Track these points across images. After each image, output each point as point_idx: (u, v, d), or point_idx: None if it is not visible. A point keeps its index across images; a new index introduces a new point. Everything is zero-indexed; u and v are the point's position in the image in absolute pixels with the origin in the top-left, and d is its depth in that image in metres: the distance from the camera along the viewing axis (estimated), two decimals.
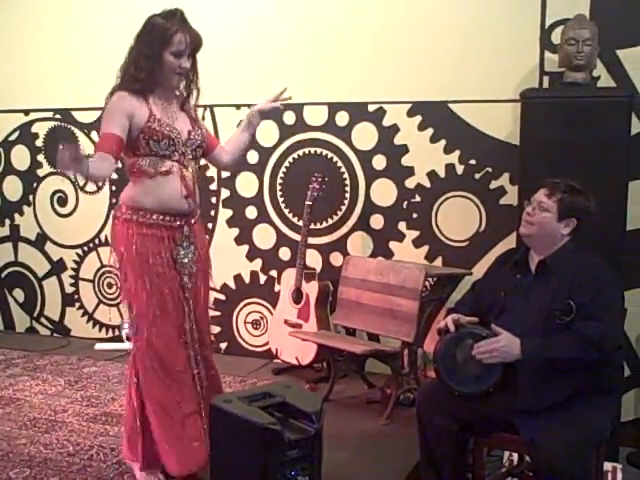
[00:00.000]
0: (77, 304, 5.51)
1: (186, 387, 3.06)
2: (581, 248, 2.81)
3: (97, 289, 5.42)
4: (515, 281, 2.86)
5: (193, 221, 3.12)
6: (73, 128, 5.33)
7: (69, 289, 5.52)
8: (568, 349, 2.58)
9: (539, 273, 2.80)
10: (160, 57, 2.94)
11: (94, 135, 5.25)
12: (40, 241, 5.56)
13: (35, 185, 5.52)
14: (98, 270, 5.40)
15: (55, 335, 5.57)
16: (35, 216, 5.55)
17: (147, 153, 2.99)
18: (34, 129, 5.46)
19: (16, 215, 5.60)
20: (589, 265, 2.75)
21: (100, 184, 5.19)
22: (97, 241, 5.36)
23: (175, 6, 3.04)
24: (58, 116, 5.37)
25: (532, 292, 2.79)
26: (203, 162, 4.94)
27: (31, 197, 5.54)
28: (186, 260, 3.07)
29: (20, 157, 5.54)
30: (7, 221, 5.63)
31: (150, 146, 2.97)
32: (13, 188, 5.56)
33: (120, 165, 3.09)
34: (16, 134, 5.53)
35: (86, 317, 5.48)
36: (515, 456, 3.28)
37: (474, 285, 3.09)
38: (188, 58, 3.01)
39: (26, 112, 5.45)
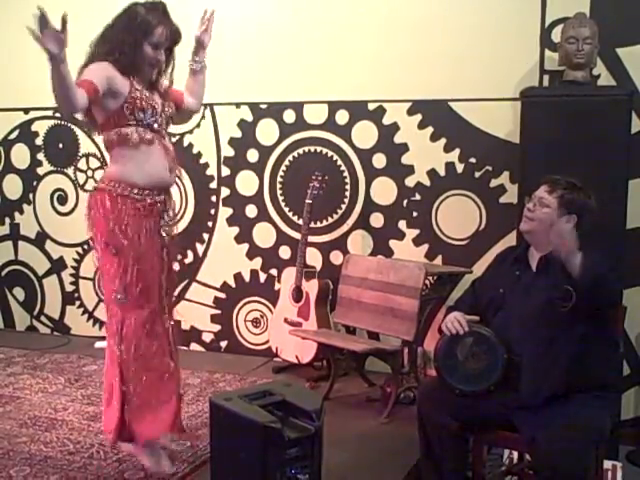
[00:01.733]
0: (77, 302, 5.51)
1: (165, 343, 3.19)
2: (582, 245, 2.81)
3: (97, 287, 5.42)
4: (514, 277, 2.86)
5: (171, 193, 3.25)
6: (73, 127, 5.32)
7: (69, 287, 5.52)
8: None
9: (540, 269, 2.80)
10: (140, 47, 3.02)
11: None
12: (40, 239, 5.56)
13: (35, 184, 5.52)
14: (98, 269, 5.39)
15: (55, 333, 5.57)
16: (35, 214, 5.55)
17: (131, 123, 3.03)
18: (34, 128, 5.46)
19: (16, 213, 5.60)
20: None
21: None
22: None
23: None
24: (58, 114, 5.37)
25: (532, 288, 2.79)
26: (204, 161, 4.97)
27: (31, 195, 5.54)
28: (167, 229, 3.20)
29: (20, 156, 5.53)
30: (7, 220, 5.63)
31: (135, 115, 3.03)
32: (13, 186, 5.56)
33: (81, 117, 3.13)
34: (16, 133, 5.52)
35: (86, 315, 5.48)
36: (515, 454, 3.29)
37: (474, 283, 3.10)
38: (164, 51, 3.10)
39: (26, 110, 5.45)
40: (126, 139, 3.03)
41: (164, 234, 3.17)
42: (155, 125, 3.10)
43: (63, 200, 5.44)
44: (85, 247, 5.40)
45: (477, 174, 4.36)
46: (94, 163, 5.30)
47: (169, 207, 3.22)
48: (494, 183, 4.32)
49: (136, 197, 3.05)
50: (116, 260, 3.07)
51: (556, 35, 4.02)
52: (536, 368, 2.67)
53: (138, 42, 3.01)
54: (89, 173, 5.33)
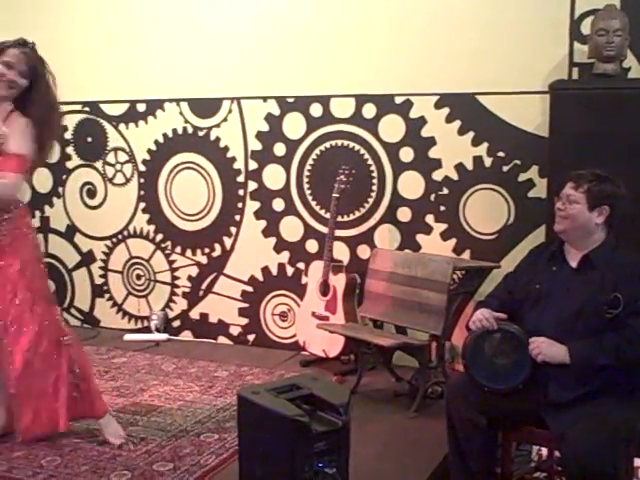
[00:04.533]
0: (106, 295, 5.56)
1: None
2: (621, 243, 2.79)
3: (126, 280, 5.47)
4: (551, 274, 2.84)
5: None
6: (101, 121, 5.37)
7: (98, 280, 5.57)
8: (617, 350, 2.60)
9: (581, 268, 2.78)
10: None
11: (122, 128, 5.30)
12: (70, 233, 5.62)
13: (64, 177, 5.57)
14: (127, 261, 5.45)
15: (85, 326, 5.63)
16: (65, 208, 5.60)
17: None
18: (63, 122, 5.50)
19: (46, 207, 5.66)
20: (633, 262, 2.74)
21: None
22: (126, 233, 5.41)
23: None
24: (87, 109, 5.42)
25: (571, 285, 2.76)
26: (231, 154, 5.00)
27: (61, 189, 5.60)
28: None
29: None
30: (37, 213, 5.68)
31: None
32: (43, 180, 5.61)
33: None
34: None
35: (115, 308, 5.54)
36: (544, 451, 3.27)
37: (506, 277, 3.07)
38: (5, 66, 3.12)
39: None
40: None
41: None
42: None
43: (92, 194, 5.49)
44: (114, 240, 5.45)
45: (505, 168, 4.33)
46: (122, 157, 5.35)
47: None
48: (522, 177, 4.29)
49: None
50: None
51: (586, 27, 3.98)
52: (567, 366, 2.65)
53: None
54: (117, 167, 5.37)
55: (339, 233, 4.64)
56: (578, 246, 2.81)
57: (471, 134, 4.39)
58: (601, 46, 3.70)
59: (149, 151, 5.27)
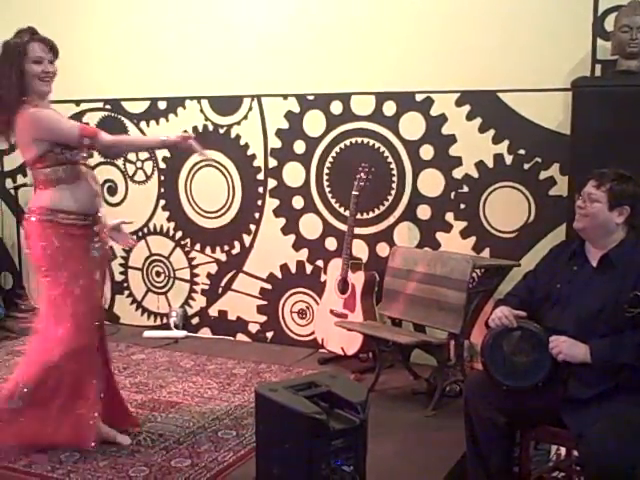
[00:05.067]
0: (126, 292, 5.59)
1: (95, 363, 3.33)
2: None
3: (146, 277, 5.49)
4: (572, 273, 2.82)
5: (99, 218, 3.34)
6: (123, 118, 5.39)
7: (118, 277, 5.60)
8: (638, 349, 2.58)
9: (601, 267, 2.75)
10: (23, 70, 3.11)
11: (143, 125, 5.32)
12: None
13: None
14: (147, 258, 5.47)
15: (105, 322, 5.64)
16: None
17: (60, 162, 3.15)
18: (85, 119, 5.52)
19: None
20: None
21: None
22: (146, 230, 5.43)
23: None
24: (108, 106, 5.44)
25: (592, 285, 2.74)
26: (251, 152, 4.99)
27: None
28: (96, 254, 3.29)
29: None
30: None
31: (65, 154, 3.14)
32: None
33: None
34: None
35: (135, 305, 5.56)
36: (562, 450, 3.24)
37: (526, 275, 3.05)
38: (51, 63, 3.17)
39: (77, 102, 5.53)
40: (57, 179, 3.17)
41: (92, 263, 3.27)
42: (81, 159, 3.24)
43: (113, 191, 5.51)
44: (134, 237, 5.47)
45: (526, 166, 4.30)
46: (143, 154, 5.36)
47: (99, 230, 3.32)
48: (543, 175, 4.26)
49: (64, 222, 3.16)
50: (53, 283, 3.20)
51: (609, 23, 3.94)
52: (587, 365, 2.63)
53: (16, 65, 3.09)
54: (138, 164, 5.40)
55: (358, 231, 4.63)
56: (597, 245, 2.78)
57: (492, 132, 4.36)
58: (624, 42, 3.66)
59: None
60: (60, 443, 3.27)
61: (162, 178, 5.33)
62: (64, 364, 3.17)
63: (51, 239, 3.15)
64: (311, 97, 4.81)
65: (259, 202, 5.05)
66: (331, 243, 4.86)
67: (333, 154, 4.80)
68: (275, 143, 4.96)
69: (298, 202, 4.93)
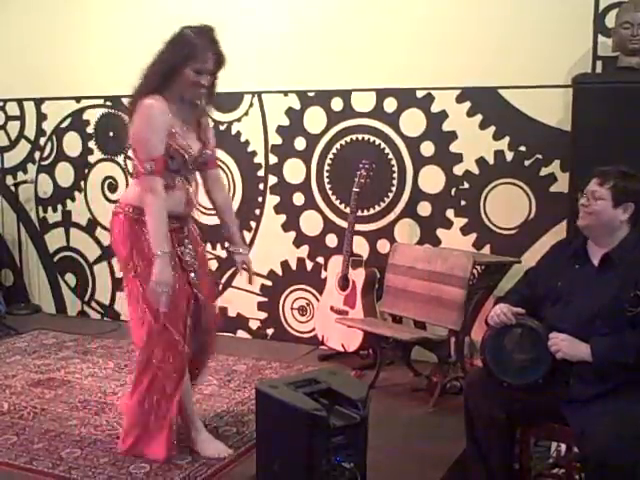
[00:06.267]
0: (127, 289, 5.57)
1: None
2: None
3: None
4: (573, 272, 2.81)
5: (189, 221, 3.28)
6: (123, 115, 5.38)
7: (119, 274, 5.59)
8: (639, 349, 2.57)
9: (603, 266, 2.75)
10: (180, 70, 3.00)
11: None
12: (91, 227, 5.65)
13: (86, 171, 5.60)
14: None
15: (105, 319, 5.66)
16: (86, 202, 5.64)
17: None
18: (85, 116, 5.54)
19: (68, 201, 5.69)
20: None
21: None
22: None
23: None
24: (109, 103, 5.44)
25: (594, 284, 2.73)
26: (251, 149, 5.00)
27: (82, 183, 5.63)
28: (188, 258, 3.21)
29: (72, 144, 5.62)
30: (59, 207, 5.73)
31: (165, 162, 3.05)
32: (65, 174, 5.65)
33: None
34: (68, 121, 5.61)
35: None
36: (563, 447, 3.24)
37: (527, 273, 3.05)
38: (210, 76, 3.06)
39: (77, 99, 5.53)
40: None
41: (185, 265, 3.18)
42: (182, 171, 3.14)
43: (113, 188, 5.51)
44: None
45: (527, 162, 4.29)
46: None
47: (189, 235, 3.25)
48: (544, 172, 4.26)
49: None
50: (137, 282, 3.13)
51: (610, 20, 3.93)
52: (589, 363, 2.62)
53: (179, 64, 2.99)
54: None
55: (359, 227, 4.62)
56: (601, 243, 2.78)
57: (492, 128, 4.36)
58: (626, 39, 3.65)
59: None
60: None
61: None
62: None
63: (140, 237, 3.08)
64: (312, 94, 4.80)
65: (260, 199, 5.04)
66: (332, 240, 4.85)
67: (334, 151, 4.80)
68: (276, 140, 4.95)
69: (299, 199, 4.93)
